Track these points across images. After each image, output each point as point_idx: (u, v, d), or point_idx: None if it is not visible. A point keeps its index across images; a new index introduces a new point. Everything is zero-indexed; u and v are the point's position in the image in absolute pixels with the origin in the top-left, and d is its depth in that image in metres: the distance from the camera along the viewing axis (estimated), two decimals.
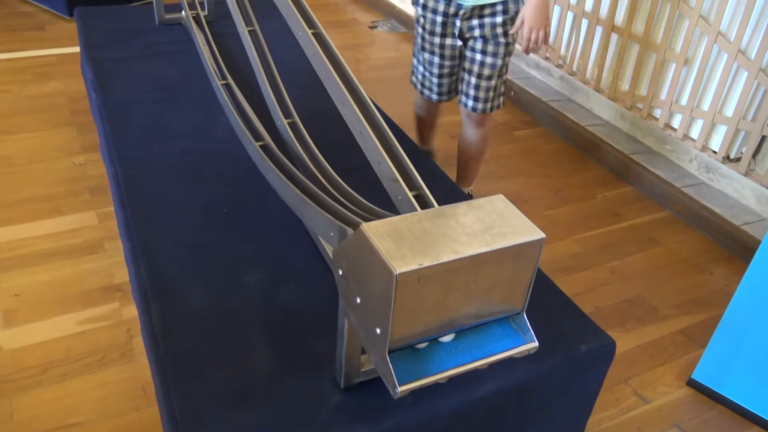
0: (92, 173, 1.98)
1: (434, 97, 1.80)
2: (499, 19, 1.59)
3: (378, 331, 0.78)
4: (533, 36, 1.55)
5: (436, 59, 1.72)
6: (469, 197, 1.87)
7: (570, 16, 2.55)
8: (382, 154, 1.06)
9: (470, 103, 1.72)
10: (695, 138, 2.18)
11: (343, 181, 1.23)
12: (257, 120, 1.47)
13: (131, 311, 1.47)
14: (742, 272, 1.38)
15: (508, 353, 0.84)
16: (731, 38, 1.96)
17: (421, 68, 1.79)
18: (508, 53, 1.66)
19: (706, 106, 2.11)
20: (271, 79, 1.52)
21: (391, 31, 3.38)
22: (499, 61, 1.65)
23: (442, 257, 0.74)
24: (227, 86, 1.63)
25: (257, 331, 1.06)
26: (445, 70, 1.74)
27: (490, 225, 0.81)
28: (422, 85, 1.81)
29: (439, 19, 1.64)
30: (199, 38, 1.94)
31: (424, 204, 0.99)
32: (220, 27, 2.11)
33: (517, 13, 1.59)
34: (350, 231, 0.90)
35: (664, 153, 2.29)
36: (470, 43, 1.65)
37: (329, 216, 0.97)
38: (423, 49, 1.74)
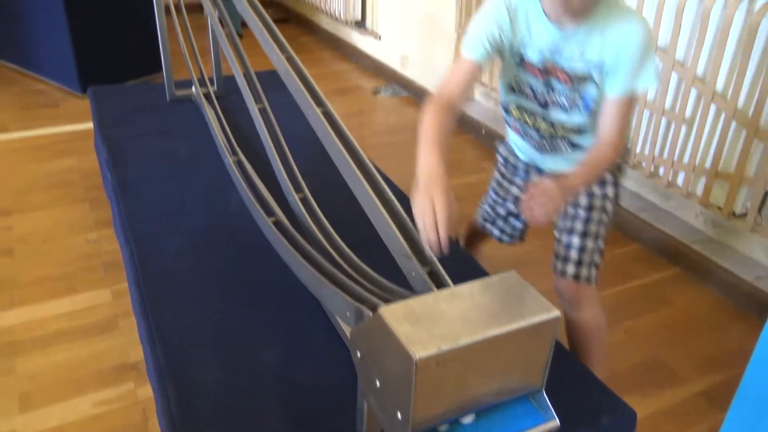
0: (105, 249, 2.00)
1: (495, 233, 1.62)
2: None
3: (399, 415, 0.78)
4: (542, 209, 1.15)
5: (509, 203, 1.54)
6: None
7: None
8: (394, 231, 1.08)
9: (555, 262, 1.39)
10: (699, 194, 2.20)
11: (355, 253, 1.24)
12: (269, 195, 1.50)
13: (146, 391, 1.47)
14: (758, 329, 1.36)
15: None
16: (728, 98, 2.01)
17: (488, 207, 1.61)
18: (599, 208, 1.36)
19: (707, 163, 2.14)
20: (281, 155, 1.56)
21: (393, 96, 3.47)
22: (581, 212, 1.35)
23: (461, 340, 0.75)
24: (238, 163, 1.67)
25: (276, 411, 1.06)
26: (514, 212, 1.55)
27: (505, 304, 0.82)
28: (484, 219, 1.63)
29: (518, 180, 1.50)
30: (209, 114, 2.00)
31: (438, 281, 1.00)
32: (230, 102, 2.18)
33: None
34: (366, 311, 0.91)
35: (669, 209, 2.31)
36: None
37: (345, 295, 0.99)
38: (496, 193, 1.56)
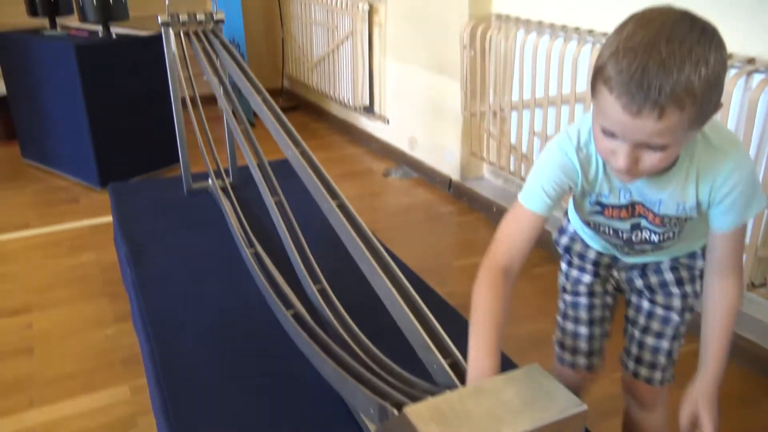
0: (123, 343, 2.01)
1: (582, 361, 1.32)
2: (668, 277, 1.23)
3: None
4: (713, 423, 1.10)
5: (583, 300, 1.30)
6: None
7: None
8: (414, 324, 1.08)
9: (631, 364, 1.28)
10: None
11: (375, 343, 1.24)
12: (287, 287, 1.51)
13: None
14: None
15: None
16: None
17: (560, 318, 1.34)
18: (689, 308, 1.24)
19: None
20: (298, 247, 1.59)
21: (403, 178, 3.53)
22: (674, 316, 1.24)
23: None
24: (256, 255, 1.70)
25: None
26: (597, 314, 1.31)
27: (530, 399, 0.81)
28: (562, 347, 1.33)
29: (589, 266, 1.29)
30: (226, 206, 2.05)
31: (460, 373, 1.00)
32: (246, 192, 2.23)
33: (688, 268, 1.22)
34: (391, 409, 0.90)
35: None
36: (634, 292, 1.29)
37: (368, 392, 0.98)
38: (564, 289, 1.33)
